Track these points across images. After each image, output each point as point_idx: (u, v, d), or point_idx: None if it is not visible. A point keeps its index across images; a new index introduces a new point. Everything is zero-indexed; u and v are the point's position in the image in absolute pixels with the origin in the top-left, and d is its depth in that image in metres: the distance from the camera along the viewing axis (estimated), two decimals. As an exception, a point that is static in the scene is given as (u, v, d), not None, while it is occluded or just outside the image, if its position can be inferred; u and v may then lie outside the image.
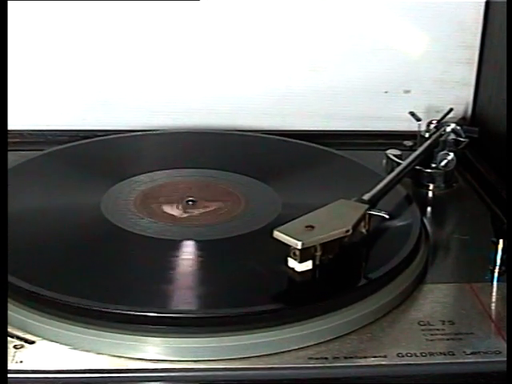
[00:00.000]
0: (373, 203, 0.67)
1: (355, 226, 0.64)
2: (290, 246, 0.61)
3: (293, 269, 0.62)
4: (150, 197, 0.74)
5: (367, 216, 0.66)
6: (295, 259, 0.61)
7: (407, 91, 0.95)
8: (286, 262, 0.62)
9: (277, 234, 0.61)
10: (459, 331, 0.60)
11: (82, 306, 0.57)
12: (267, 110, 0.94)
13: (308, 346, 0.58)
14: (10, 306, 0.59)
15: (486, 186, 0.83)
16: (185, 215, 0.71)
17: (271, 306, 0.59)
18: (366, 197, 0.68)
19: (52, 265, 0.63)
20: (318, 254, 0.62)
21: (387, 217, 0.66)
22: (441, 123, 0.84)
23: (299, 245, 0.60)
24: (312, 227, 0.62)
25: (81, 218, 0.70)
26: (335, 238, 0.62)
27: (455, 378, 0.57)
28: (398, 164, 0.78)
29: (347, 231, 0.63)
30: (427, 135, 0.83)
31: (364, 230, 0.67)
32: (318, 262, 0.62)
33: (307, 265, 0.62)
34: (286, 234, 0.61)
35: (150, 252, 0.66)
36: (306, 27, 0.91)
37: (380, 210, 0.66)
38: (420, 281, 0.66)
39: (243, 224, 0.70)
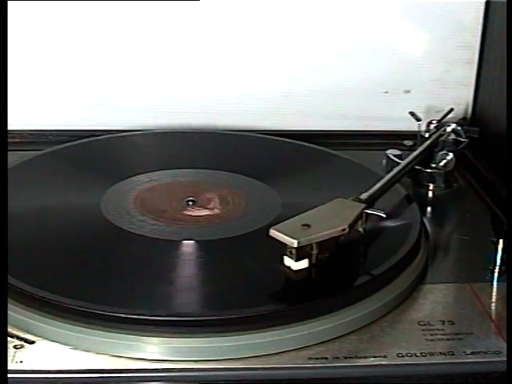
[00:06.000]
0: (370, 203, 0.67)
1: (352, 225, 0.64)
2: (286, 244, 0.61)
3: (289, 267, 0.62)
4: (150, 197, 0.74)
5: (364, 215, 0.66)
6: (291, 258, 0.61)
7: (407, 91, 0.95)
8: (282, 260, 0.62)
9: (273, 233, 0.61)
10: (459, 331, 0.60)
11: (82, 306, 0.57)
12: (267, 110, 0.94)
13: (308, 346, 0.58)
14: (10, 306, 0.59)
15: (485, 186, 0.83)
16: (184, 215, 0.71)
17: (271, 306, 0.59)
18: (364, 196, 0.68)
19: (52, 265, 0.63)
20: (315, 252, 0.62)
21: (384, 216, 0.66)
22: (441, 123, 0.84)
23: (295, 243, 0.60)
24: (308, 226, 0.62)
25: (81, 218, 0.70)
26: (331, 236, 0.62)
27: (455, 378, 0.57)
28: (398, 164, 0.78)
29: (344, 230, 0.63)
30: (427, 135, 0.83)
31: (361, 230, 0.66)
32: (314, 261, 0.62)
33: (303, 263, 0.61)
34: (282, 233, 0.61)
35: (149, 252, 0.66)
36: (305, 27, 0.91)
37: (377, 209, 0.66)
38: (420, 281, 0.66)
39: (243, 224, 0.70)
